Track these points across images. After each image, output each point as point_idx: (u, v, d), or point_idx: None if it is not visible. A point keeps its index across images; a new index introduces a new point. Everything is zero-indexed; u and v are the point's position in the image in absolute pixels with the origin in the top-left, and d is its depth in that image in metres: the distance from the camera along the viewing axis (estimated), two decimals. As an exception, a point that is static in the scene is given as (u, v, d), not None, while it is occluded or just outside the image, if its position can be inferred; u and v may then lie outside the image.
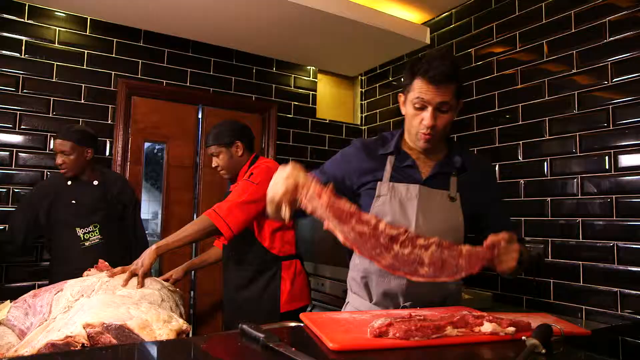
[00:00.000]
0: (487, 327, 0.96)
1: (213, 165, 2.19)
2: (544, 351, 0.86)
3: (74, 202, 2.38)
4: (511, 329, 0.96)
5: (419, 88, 1.29)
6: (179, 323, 1.27)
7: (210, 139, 2.16)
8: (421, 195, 1.33)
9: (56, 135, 2.37)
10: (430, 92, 1.28)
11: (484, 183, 1.43)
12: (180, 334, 1.24)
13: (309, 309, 2.30)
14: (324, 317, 1.10)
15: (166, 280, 2.20)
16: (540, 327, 0.94)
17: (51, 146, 2.75)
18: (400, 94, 1.43)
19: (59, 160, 2.34)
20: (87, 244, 2.38)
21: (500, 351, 0.92)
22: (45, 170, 2.73)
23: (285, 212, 1.14)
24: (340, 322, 1.05)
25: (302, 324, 1.11)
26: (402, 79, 1.41)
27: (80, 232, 2.37)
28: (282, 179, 1.14)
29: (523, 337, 0.89)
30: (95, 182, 2.46)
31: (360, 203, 1.43)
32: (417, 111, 1.31)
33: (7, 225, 2.48)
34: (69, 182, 2.41)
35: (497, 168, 2.68)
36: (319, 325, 1.01)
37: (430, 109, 1.29)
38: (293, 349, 0.83)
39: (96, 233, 2.41)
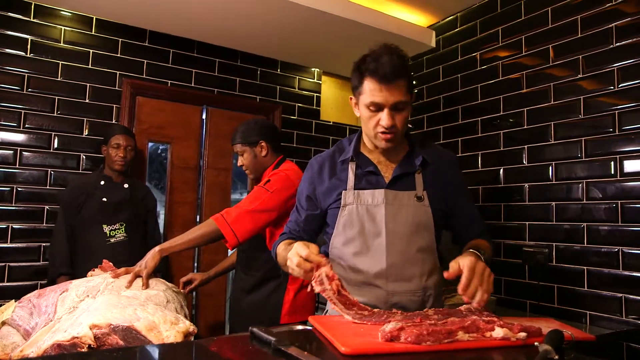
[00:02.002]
0: (499, 332, 0.96)
1: (239, 164, 2.15)
2: (556, 357, 0.85)
3: (104, 199, 2.52)
4: (522, 334, 0.96)
5: (370, 90, 1.25)
6: (186, 325, 1.26)
7: (237, 137, 2.11)
8: (388, 200, 1.31)
9: (113, 132, 2.56)
10: (382, 93, 1.24)
11: (448, 176, 1.41)
12: (187, 335, 1.24)
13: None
14: (333, 320, 1.09)
15: (189, 282, 2.21)
16: (551, 333, 0.93)
17: (55, 145, 2.75)
18: (351, 96, 1.38)
19: (123, 154, 2.54)
20: (112, 240, 2.49)
21: (512, 357, 0.91)
22: (50, 170, 2.73)
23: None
24: (350, 325, 1.04)
25: (310, 327, 1.10)
26: (351, 81, 1.35)
27: (106, 228, 2.49)
28: (296, 265, 1.13)
29: (535, 343, 0.88)
30: (126, 185, 2.61)
31: (327, 221, 1.43)
32: (373, 113, 1.28)
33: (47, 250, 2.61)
34: (102, 182, 2.56)
35: (501, 172, 2.68)
36: (328, 328, 1.00)
37: (386, 110, 1.26)
38: (305, 352, 0.82)
39: (122, 231, 2.52)
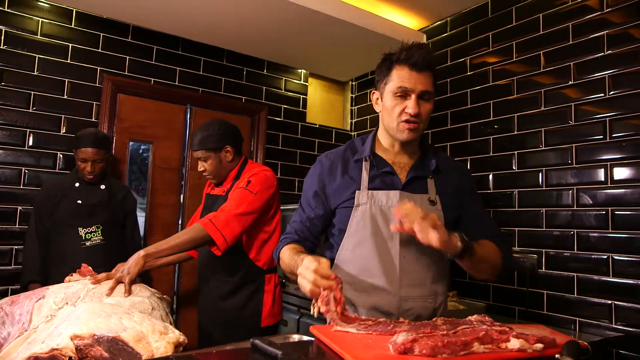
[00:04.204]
0: (515, 343, 0.91)
1: (199, 169, 2.07)
2: (579, 370, 0.81)
3: (79, 202, 2.38)
4: (539, 345, 0.91)
5: (400, 76, 1.27)
6: (176, 335, 1.18)
7: (197, 143, 2.01)
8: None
9: (81, 143, 2.34)
10: (412, 79, 1.25)
11: (460, 185, 1.40)
12: (177, 346, 1.15)
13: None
14: (337, 330, 1.03)
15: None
16: (569, 344, 0.90)
17: (30, 143, 2.60)
18: (373, 91, 1.39)
19: (91, 168, 2.35)
20: (88, 244, 2.37)
21: (531, 370, 0.87)
22: (24, 169, 2.58)
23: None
24: (357, 336, 0.98)
25: (312, 339, 1.04)
26: (376, 75, 1.37)
27: (82, 231, 2.36)
28: (312, 282, 1.05)
29: (556, 355, 0.84)
30: (102, 187, 2.47)
31: (334, 222, 1.38)
32: (399, 100, 1.28)
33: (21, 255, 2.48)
34: (77, 184, 2.41)
35: (490, 178, 2.67)
36: (335, 340, 0.94)
37: (413, 96, 1.26)
38: (316, 367, 0.76)
39: (98, 234, 2.40)
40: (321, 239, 1.46)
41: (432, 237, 1.07)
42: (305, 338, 1.13)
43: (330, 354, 0.89)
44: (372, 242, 1.28)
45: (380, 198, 1.29)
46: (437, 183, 1.35)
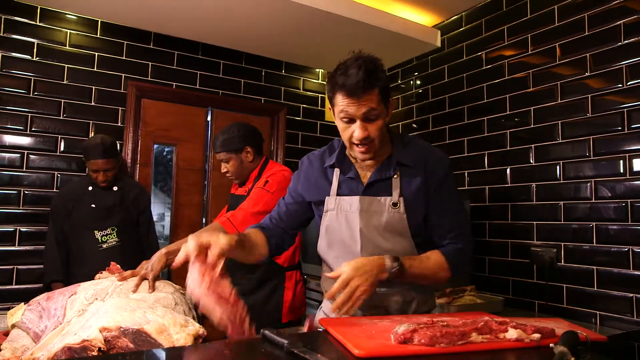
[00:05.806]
0: (512, 333, 0.95)
1: (222, 171, 2.16)
2: (572, 359, 0.84)
3: (93, 205, 2.47)
4: (536, 335, 0.95)
5: (341, 102, 1.24)
6: (196, 327, 1.26)
7: (219, 145, 2.10)
8: (362, 207, 1.30)
9: (90, 155, 2.40)
10: (352, 104, 1.22)
11: (429, 178, 1.32)
12: (197, 338, 1.23)
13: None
14: (344, 322, 1.08)
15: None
16: (566, 334, 0.92)
17: (61, 148, 2.75)
18: (330, 105, 1.36)
19: (103, 177, 2.43)
20: (104, 246, 2.45)
21: (527, 359, 0.90)
22: (56, 173, 2.74)
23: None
24: (361, 327, 1.04)
25: (321, 329, 1.10)
26: (326, 91, 1.35)
27: (98, 234, 2.45)
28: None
29: (551, 345, 0.87)
30: (115, 188, 2.54)
31: (316, 221, 1.46)
32: (346, 124, 1.26)
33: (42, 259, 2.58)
34: (90, 188, 2.50)
35: (508, 171, 2.66)
36: (340, 330, 0.99)
37: (358, 122, 1.23)
38: (318, 355, 0.82)
39: (114, 236, 2.47)
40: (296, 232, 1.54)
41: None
42: (321, 330, 1.19)
43: (335, 343, 0.95)
44: (339, 246, 1.35)
45: (345, 204, 1.33)
46: (403, 182, 1.31)
